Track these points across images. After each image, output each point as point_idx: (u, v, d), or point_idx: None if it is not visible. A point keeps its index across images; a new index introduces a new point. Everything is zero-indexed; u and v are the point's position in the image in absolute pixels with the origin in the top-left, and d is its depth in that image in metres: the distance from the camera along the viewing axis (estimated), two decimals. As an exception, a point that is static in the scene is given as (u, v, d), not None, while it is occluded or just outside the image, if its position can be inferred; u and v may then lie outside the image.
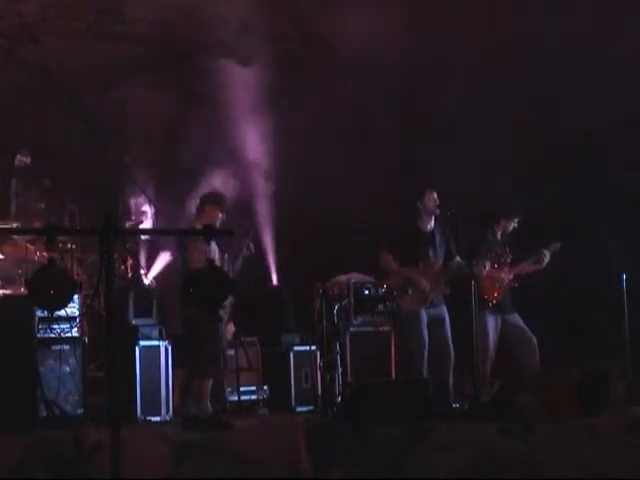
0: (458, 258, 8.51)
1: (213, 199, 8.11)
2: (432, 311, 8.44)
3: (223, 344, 8.15)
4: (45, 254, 8.07)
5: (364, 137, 10.46)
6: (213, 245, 7.97)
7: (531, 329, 8.74)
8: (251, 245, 8.31)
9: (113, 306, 4.85)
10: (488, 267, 8.43)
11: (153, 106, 9.86)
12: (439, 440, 5.75)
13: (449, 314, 8.52)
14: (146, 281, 9.14)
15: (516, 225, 8.88)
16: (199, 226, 7.88)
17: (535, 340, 8.67)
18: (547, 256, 8.77)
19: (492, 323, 8.71)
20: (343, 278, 9.63)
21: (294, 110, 10.25)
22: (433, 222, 8.57)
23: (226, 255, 8.15)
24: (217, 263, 7.93)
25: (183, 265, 7.91)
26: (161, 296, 8.83)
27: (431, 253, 8.50)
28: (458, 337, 8.41)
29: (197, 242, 7.78)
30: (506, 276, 8.77)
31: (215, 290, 7.66)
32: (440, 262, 8.51)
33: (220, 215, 8.03)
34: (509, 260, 8.61)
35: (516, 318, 8.79)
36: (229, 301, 8.11)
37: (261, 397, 9.18)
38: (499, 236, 8.92)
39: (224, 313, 8.02)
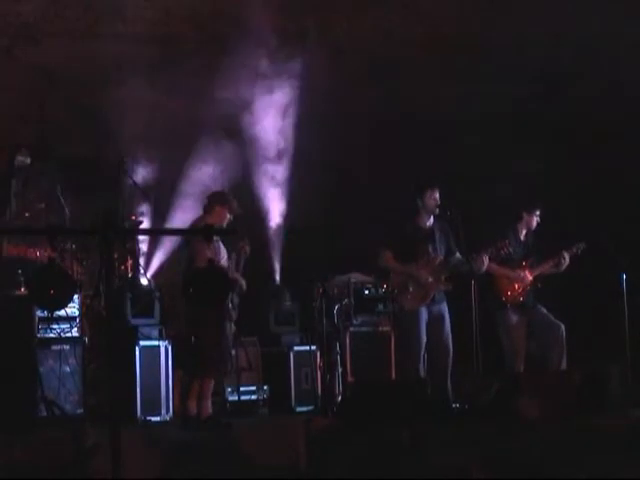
0: (458, 255, 8.52)
1: (222, 199, 8.09)
2: (433, 308, 8.44)
3: (229, 344, 8.14)
4: (45, 254, 8.08)
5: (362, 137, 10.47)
6: (220, 244, 7.97)
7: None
8: (247, 247, 8.30)
9: (113, 306, 4.84)
10: (487, 261, 8.43)
11: (154, 106, 9.86)
12: (439, 440, 5.76)
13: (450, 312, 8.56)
14: (144, 280, 9.13)
15: (539, 220, 8.90)
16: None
17: (563, 327, 8.72)
18: (567, 259, 8.80)
19: (516, 322, 8.76)
20: (343, 278, 9.64)
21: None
22: (432, 219, 8.58)
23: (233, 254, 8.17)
24: (224, 262, 7.95)
25: (189, 264, 7.87)
26: (162, 296, 8.83)
27: (431, 250, 8.50)
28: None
29: (210, 243, 7.77)
30: (526, 277, 8.81)
31: (215, 289, 7.71)
32: (441, 258, 8.51)
33: (228, 215, 8.02)
34: (508, 252, 8.58)
35: (540, 309, 8.84)
36: (236, 301, 8.15)
37: (261, 397, 9.18)
38: (523, 236, 8.93)
39: (234, 312, 8.05)
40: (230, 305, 8.08)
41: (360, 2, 10.09)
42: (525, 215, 8.91)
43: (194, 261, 7.72)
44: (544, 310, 8.86)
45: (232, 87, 10.01)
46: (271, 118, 10.42)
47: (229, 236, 7.90)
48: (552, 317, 8.81)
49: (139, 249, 9.57)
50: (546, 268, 8.89)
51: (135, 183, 9.32)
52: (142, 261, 9.62)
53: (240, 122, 10.29)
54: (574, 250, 8.82)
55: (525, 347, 8.82)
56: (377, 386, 7.75)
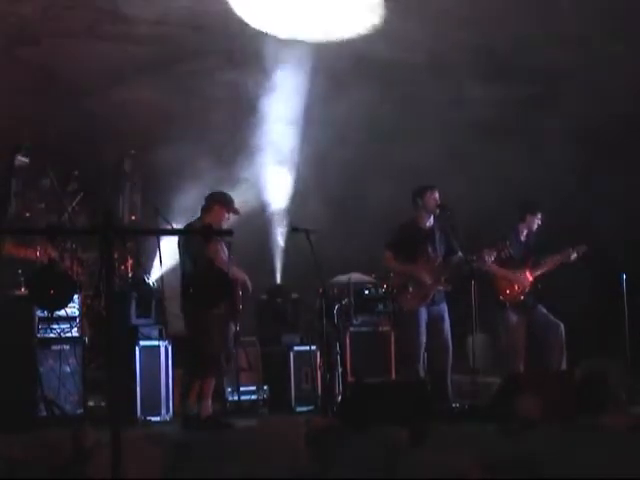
0: (460, 254, 8.53)
1: (221, 199, 8.08)
2: (433, 308, 8.45)
3: (230, 344, 8.14)
4: (45, 254, 8.08)
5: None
6: (223, 244, 7.97)
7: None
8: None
9: (113, 306, 4.83)
10: (489, 260, 8.44)
11: (154, 106, 9.86)
12: (439, 440, 5.75)
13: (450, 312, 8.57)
14: (149, 281, 9.12)
15: (540, 222, 8.92)
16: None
17: (562, 326, 8.74)
18: (574, 254, 8.82)
19: (516, 321, 8.77)
20: (343, 278, 9.63)
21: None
22: (432, 219, 8.58)
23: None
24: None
25: (193, 265, 7.85)
26: (162, 296, 8.83)
27: (430, 250, 8.51)
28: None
29: (218, 242, 7.77)
30: (526, 277, 8.82)
31: (215, 289, 7.72)
32: (440, 258, 8.52)
33: (227, 215, 8.01)
34: (508, 254, 8.59)
35: (540, 309, 8.85)
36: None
37: (261, 397, 9.18)
38: (524, 237, 8.94)
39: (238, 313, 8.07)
40: (241, 306, 8.10)
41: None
42: (528, 217, 8.93)
43: (217, 262, 7.71)
44: (544, 310, 8.87)
45: (235, 87, 10.03)
46: (275, 117, 10.43)
47: (226, 237, 7.88)
48: (552, 317, 8.82)
49: (140, 249, 9.56)
50: (550, 267, 8.91)
51: (135, 183, 9.33)
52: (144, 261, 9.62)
53: (244, 121, 10.31)
54: (578, 251, 8.84)
55: (525, 347, 8.82)
56: (377, 386, 7.75)
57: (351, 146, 10.21)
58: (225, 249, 7.98)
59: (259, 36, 9.88)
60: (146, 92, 9.78)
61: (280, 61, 10.06)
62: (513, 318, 8.80)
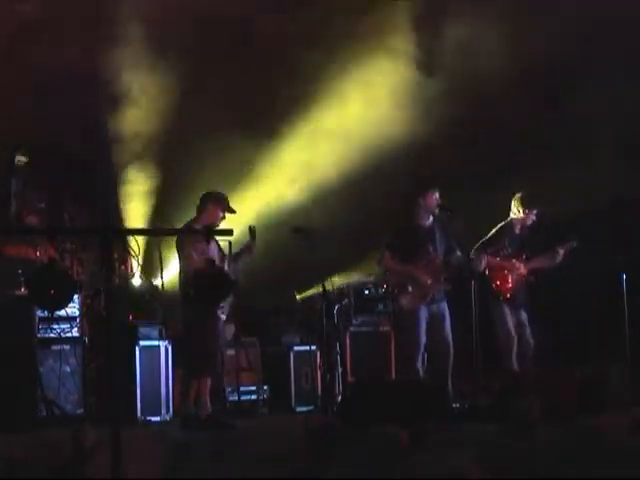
0: (458, 252, 8.53)
1: (215, 198, 8.09)
2: (433, 307, 8.45)
3: (222, 343, 8.15)
4: (45, 254, 8.08)
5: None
6: (212, 245, 7.97)
7: (531, 329, 8.80)
8: (253, 247, 8.30)
9: (113, 306, 4.83)
10: (485, 262, 8.45)
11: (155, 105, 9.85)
12: (439, 440, 5.75)
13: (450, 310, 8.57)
14: (138, 280, 9.12)
15: (535, 218, 8.92)
16: (199, 226, 7.90)
17: (532, 342, 8.72)
18: (560, 254, 8.82)
19: (509, 316, 8.77)
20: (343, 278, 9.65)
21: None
22: (432, 218, 8.60)
23: (226, 255, 8.15)
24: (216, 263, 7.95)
25: (182, 265, 7.89)
26: (159, 296, 8.83)
27: (431, 249, 8.52)
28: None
29: (197, 242, 7.77)
30: (520, 270, 8.82)
31: (215, 289, 7.72)
32: (440, 257, 8.53)
33: (221, 215, 8.02)
34: (507, 253, 8.61)
35: (523, 316, 8.84)
36: (228, 301, 8.12)
37: (261, 397, 9.18)
38: (518, 230, 8.95)
39: (221, 313, 8.02)
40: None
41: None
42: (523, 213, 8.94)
43: (191, 262, 7.72)
44: (525, 319, 8.83)
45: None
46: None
47: (224, 236, 7.88)
48: (528, 331, 8.80)
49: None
50: (540, 263, 8.91)
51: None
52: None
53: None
54: (566, 247, 8.84)
55: (516, 342, 8.81)
56: (377, 386, 7.76)
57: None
58: (214, 249, 7.98)
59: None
60: (147, 91, 9.76)
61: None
62: (507, 312, 8.78)
